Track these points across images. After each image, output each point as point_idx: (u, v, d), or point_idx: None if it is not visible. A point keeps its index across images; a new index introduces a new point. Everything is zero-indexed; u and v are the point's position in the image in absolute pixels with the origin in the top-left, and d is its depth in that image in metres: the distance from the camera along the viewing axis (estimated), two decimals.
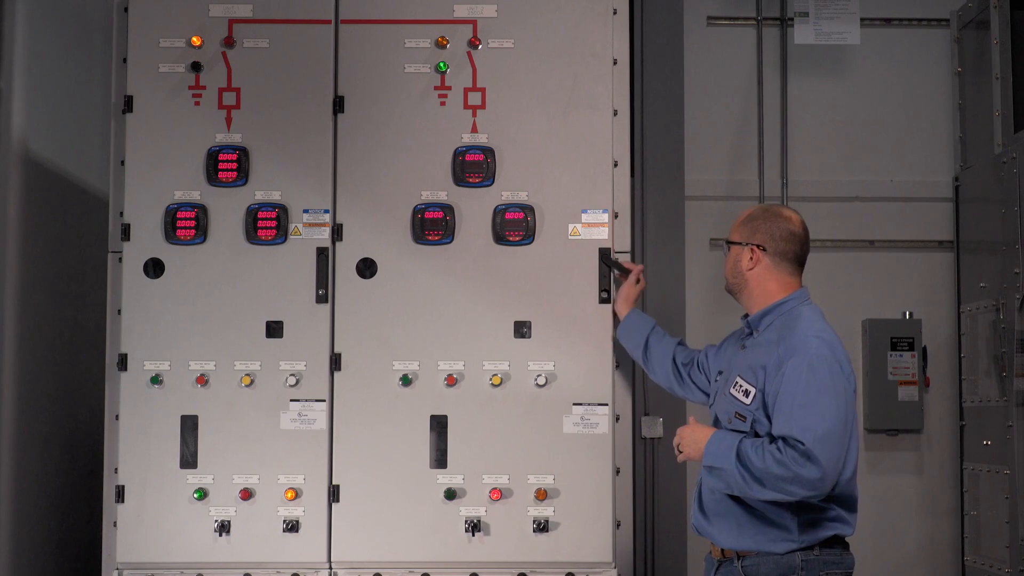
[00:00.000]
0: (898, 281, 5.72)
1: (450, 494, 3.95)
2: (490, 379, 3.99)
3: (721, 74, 5.78)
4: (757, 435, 3.33)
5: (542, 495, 3.95)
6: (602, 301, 4.02)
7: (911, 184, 5.75)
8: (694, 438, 3.39)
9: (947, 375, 5.68)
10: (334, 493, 4.00)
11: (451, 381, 3.99)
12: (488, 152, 4.07)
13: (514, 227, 4.04)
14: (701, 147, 5.68)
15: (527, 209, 4.05)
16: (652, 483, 5.11)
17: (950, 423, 5.65)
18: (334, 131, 4.11)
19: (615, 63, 4.17)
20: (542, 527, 3.93)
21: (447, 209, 4.05)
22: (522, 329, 4.02)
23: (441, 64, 4.09)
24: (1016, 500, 4.94)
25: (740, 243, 3.55)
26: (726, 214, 5.73)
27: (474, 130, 4.09)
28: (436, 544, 3.97)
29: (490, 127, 4.10)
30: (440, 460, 4.00)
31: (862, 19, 5.64)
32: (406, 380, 4.00)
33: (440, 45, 4.09)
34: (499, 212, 4.05)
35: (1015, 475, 4.95)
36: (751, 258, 3.51)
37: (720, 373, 3.61)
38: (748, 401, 3.37)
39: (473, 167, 4.06)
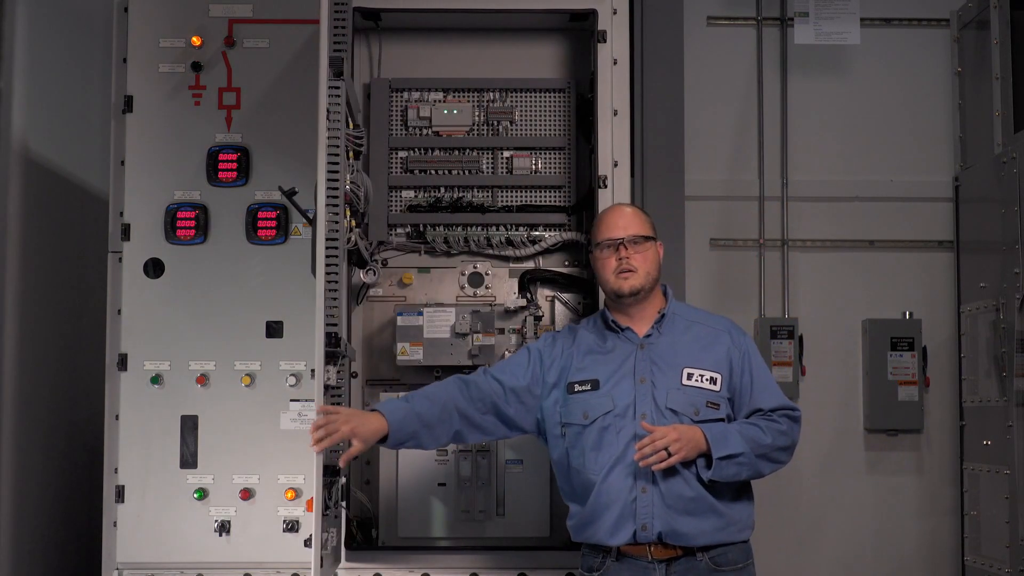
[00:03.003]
0: (898, 281, 5.72)
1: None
2: None
3: (721, 74, 5.78)
4: (721, 420, 3.38)
5: None
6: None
7: (911, 184, 5.75)
8: (689, 437, 3.25)
9: (947, 375, 5.68)
10: None
11: None
12: None
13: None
14: (701, 147, 5.68)
15: None
16: None
17: (950, 423, 5.65)
18: None
19: (615, 63, 4.17)
20: None
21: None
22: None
23: None
24: (1016, 500, 4.94)
25: (654, 238, 3.52)
26: (726, 214, 5.75)
27: None
28: None
29: None
30: None
31: (862, 19, 5.63)
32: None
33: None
34: None
35: (1015, 475, 4.95)
36: (660, 255, 3.53)
37: (592, 383, 3.40)
38: (718, 388, 3.39)
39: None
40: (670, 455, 3.22)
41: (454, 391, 3.46)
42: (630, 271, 3.43)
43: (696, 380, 3.37)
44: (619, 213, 3.53)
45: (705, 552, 3.32)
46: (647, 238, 3.48)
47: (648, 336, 3.46)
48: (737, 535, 3.37)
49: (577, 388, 3.43)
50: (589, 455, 3.38)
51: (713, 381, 3.38)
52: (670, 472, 3.29)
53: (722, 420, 3.36)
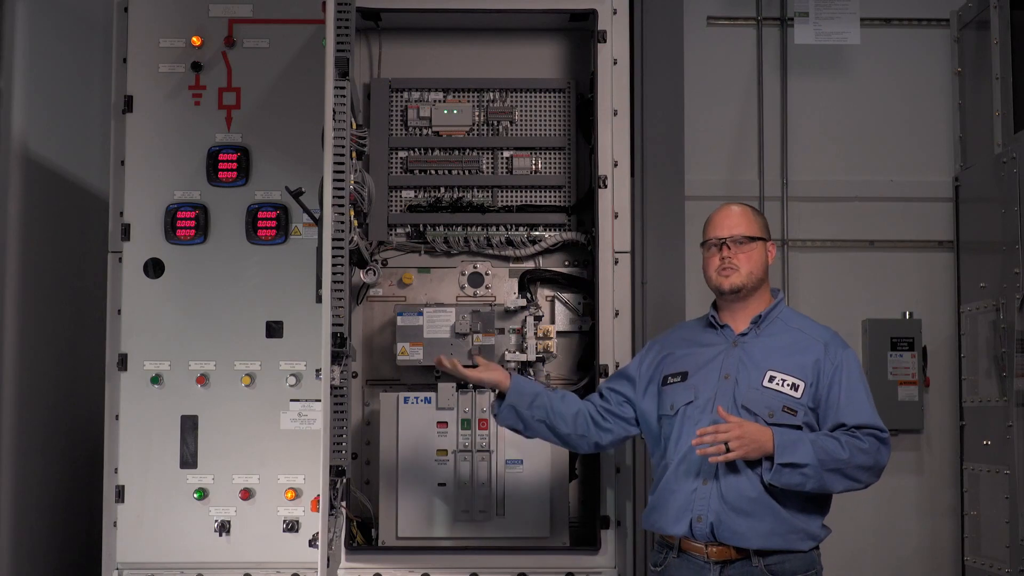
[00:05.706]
0: (898, 281, 5.71)
1: None
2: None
3: (721, 74, 5.77)
4: (797, 427, 3.32)
5: None
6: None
7: (911, 184, 5.74)
8: (753, 437, 3.22)
9: (947, 375, 5.67)
10: None
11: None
12: None
13: None
14: (701, 147, 5.67)
15: None
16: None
17: (950, 423, 5.65)
18: None
19: (615, 63, 4.17)
20: None
21: None
22: None
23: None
24: (1016, 500, 4.94)
25: (765, 239, 3.52)
26: None
27: None
28: None
29: None
30: None
31: (862, 19, 5.63)
32: None
33: None
34: None
35: (1015, 475, 4.95)
36: (769, 254, 3.51)
37: (682, 375, 3.47)
38: (798, 395, 3.34)
39: None
40: (729, 450, 3.22)
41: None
42: (731, 269, 3.45)
43: (777, 384, 3.35)
44: (726, 213, 3.53)
45: (761, 557, 3.29)
46: (752, 239, 3.47)
47: (744, 334, 3.47)
48: (797, 543, 3.31)
49: (670, 380, 3.49)
50: (671, 444, 3.43)
51: (794, 387, 3.35)
52: (733, 469, 3.29)
53: (798, 427, 3.32)
